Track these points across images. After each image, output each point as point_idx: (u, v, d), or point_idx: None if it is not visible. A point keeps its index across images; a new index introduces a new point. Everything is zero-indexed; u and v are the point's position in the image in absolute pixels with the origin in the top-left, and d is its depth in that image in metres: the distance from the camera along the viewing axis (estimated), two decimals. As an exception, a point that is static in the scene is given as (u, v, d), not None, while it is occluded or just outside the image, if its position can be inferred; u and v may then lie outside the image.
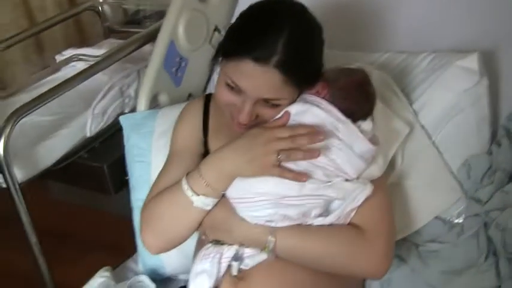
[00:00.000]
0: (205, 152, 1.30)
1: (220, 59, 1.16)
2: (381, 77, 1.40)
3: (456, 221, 1.32)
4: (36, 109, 1.72)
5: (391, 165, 1.29)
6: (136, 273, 1.66)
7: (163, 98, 1.85)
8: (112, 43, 2.53)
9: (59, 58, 2.44)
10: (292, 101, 1.14)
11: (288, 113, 1.11)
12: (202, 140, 1.33)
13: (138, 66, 2.15)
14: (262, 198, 1.09)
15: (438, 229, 1.33)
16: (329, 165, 1.09)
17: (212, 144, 1.31)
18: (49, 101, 1.76)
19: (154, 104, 1.83)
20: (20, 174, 1.77)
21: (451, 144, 1.37)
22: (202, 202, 1.12)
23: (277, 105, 1.12)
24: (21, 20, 2.87)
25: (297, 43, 1.08)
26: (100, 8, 2.73)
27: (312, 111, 1.11)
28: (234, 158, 1.10)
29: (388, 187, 1.23)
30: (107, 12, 2.73)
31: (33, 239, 1.75)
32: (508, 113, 1.40)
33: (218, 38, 2.01)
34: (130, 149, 1.70)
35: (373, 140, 1.15)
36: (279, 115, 1.12)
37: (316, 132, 1.06)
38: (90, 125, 1.99)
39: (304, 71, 1.11)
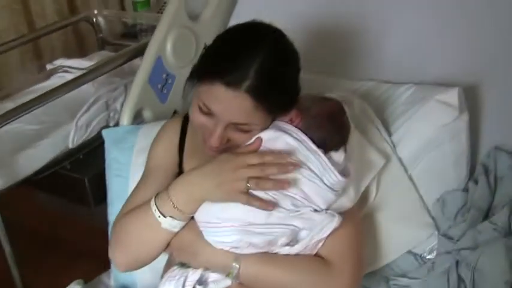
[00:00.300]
0: (180, 173, 1.29)
1: (195, 81, 1.15)
2: (361, 106, 1.39)
3: (428, 256, 1.31)
4: (18, 118, 1.70)
5: (365, 196, 1.28)
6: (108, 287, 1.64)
7: (147, 113, 1.84)
8: (103, 55, 2.53)
9: (49, 67, 2.45)
10: (265, 127, 1.13)
11: (260, 139, 1.10)
12: (177, 161, 1.33)
13: (125, 80, 2.15)
14: (228, 224, 1.08)
15: (409, 264, 1.32)
16: (298, 195, 1.08)
17: (187, 165, 1.30)
18: (31, 111, 1.75)
19: (139, 119, 1.82)
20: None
21: (428, 178, 1.36)
22: (169, 224, 1.11)
23: (248, 131, 1.11)
24: (21, 26, 2.88)
25: (270, 70, 1.07)
26: (94, 19, 2.74)
27: (283, 139, 1.10)
28: (203, 182, 1.09)
29: (360, 219, 1.22)
30: (101, 24, 2.73)
31: (7, 247, 1.72)
32: (488, 150, 1.39)
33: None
34: (110, 162, 1.70)
35: (345, 172, 1.13)
36: (251, 141, 1.11)
37: (286, 162, 1.05)
38: (72, 136, 1.98)
39: (276, 97, 1.10)
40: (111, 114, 2.12)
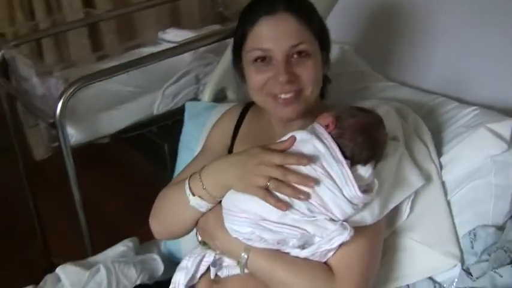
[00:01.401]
0: None
1: (240, 56, 1.26)
2: (415, 121, 1.36)
3: (446, 287, 1.26)
4: (103, 79, 1.86)
5: (396, 213, 1.26)
6: (160, 250, 1.76)
7: (230, 94, 1.91)
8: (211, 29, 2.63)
9: (160, 35, 2.59)
10: (317, 52, 1.22)
11: (293, 138, 1.12)
12: (228, 146, 1.39)
13: (219, 58, 2.22)
14: (243, 215, 1.12)
15: (426, 289, 1.28)
16: (316, 201, 1.08)
17: (236, 150, 1.36)
18: (122, 73, 1.90)
19: (223, 97, 1.89)
20: (77, 136, 1.94)
21: (465, 207, 1.30)
22: (197, 203, 1.18)
23: (308, 55, 1.19)
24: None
25: None
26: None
27: (313, 142, 1.11)
28: (229, 170, 1.14)
29: (381, 235, 1.20)
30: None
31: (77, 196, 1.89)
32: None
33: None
34: (184, 134, 1.81)
35: (369, 188, 1.13)
36: (285, 137, 1.13)
37: (307, 177, 1.06)
38: (158, 104, 2.12)
39: (310, 14, 1.22)
40: (201, 88, 2.21)
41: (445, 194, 1.31)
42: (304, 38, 1.18)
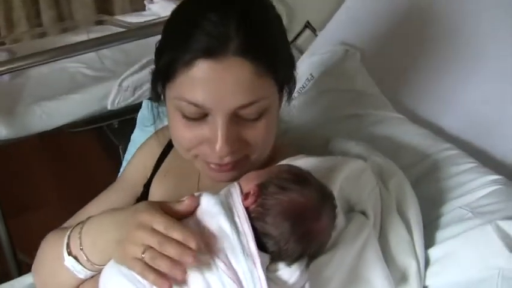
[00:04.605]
0: (143, 194, 1.08)
1: (160, 90, 0.90)
2: (400, 188, 0.94)
3: None
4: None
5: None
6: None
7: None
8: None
9: (147, 3, 2.25)
10: (275, 104, 0.88)
11: (194, 201, 0.79)
12: (147, 179, 1.10)
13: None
14: None
15: None
16: None
17: (154, 187, 1.08)
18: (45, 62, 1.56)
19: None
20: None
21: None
22: (72, 265, 0.88)
23: (260, 114, 0.84)
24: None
25: (253, 20, 0.82)
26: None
27: (219, 220, 0.77)
28: (109, 230, 0.84)
29: None
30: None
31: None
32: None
33: (309, 37, 1.65)
34: (132, 139, 1.52)
35: None
36: (184, 199, 0.80)
37: (192, 251, 0.72)
38: (113, 97, 1.73)
39: (273, 48, 0.84)
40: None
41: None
42: (260, 94, 0.82)
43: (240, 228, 0.75)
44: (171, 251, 0.72)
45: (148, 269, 0.74)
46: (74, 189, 2.07)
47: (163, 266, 0.73)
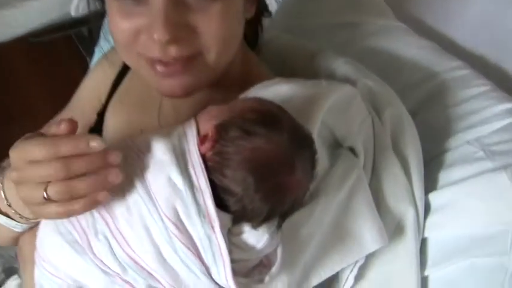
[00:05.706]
0: (96, 123, 0.94)
1: None
2: (396, 119, 0.79)
3: None
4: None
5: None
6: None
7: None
8: None
9: None
10: None
11: (72, 123, 0.60)
12: (99, 107, 0.95)
13: None
14: (56, 275, 0.65)
15: None
16: (164, 279, 0.61)
17: (108, 116, 0.93)
18: None
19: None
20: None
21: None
22: (5, 222, 0.75)
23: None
24: None
25: None
26: None
27: (167, 172, 0.61)
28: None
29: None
30: None
31: None
32: None
33: None
34: (97, 50, 1.34)
35: (265, 263, 0.65)
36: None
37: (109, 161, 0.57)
38: (77, 2, 1.51)
39: None
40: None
41: (422, 264, 0.75)
42: None
43: (195, 182, 0.61)
44: (74, 167, 0.57)
45: (65, 205, 0.58)
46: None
47: (80, 187, 0.57)
